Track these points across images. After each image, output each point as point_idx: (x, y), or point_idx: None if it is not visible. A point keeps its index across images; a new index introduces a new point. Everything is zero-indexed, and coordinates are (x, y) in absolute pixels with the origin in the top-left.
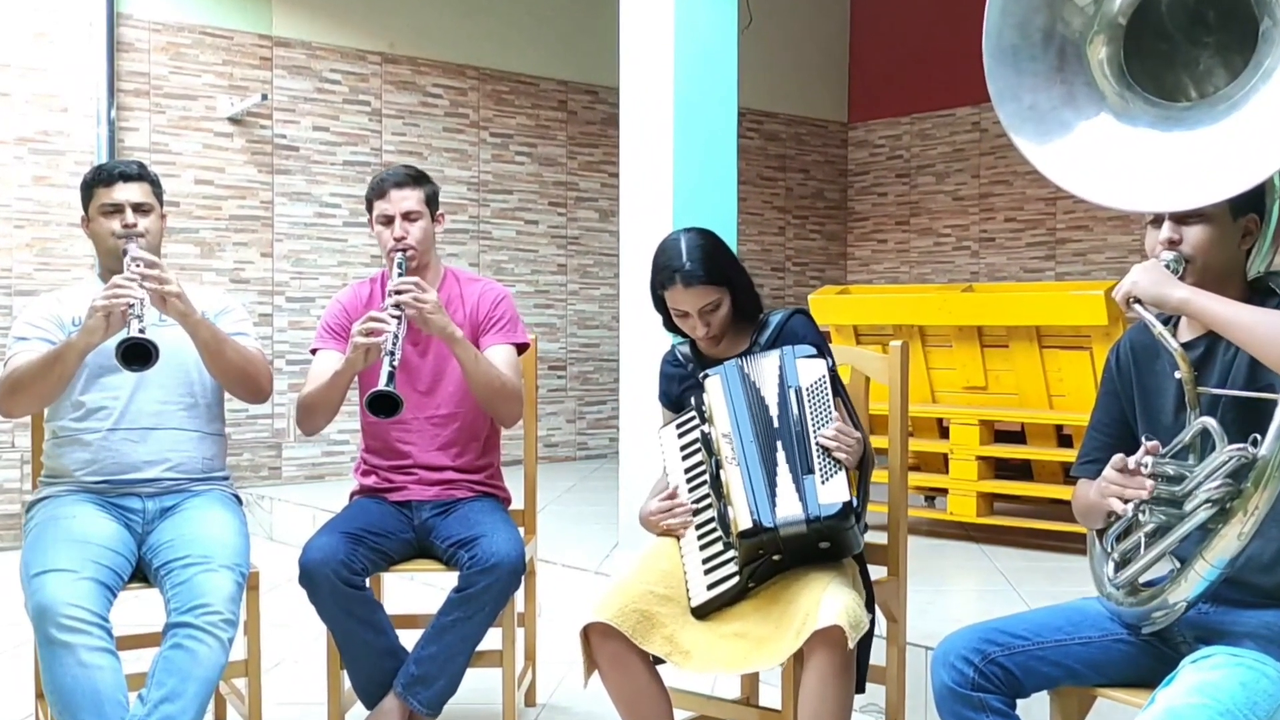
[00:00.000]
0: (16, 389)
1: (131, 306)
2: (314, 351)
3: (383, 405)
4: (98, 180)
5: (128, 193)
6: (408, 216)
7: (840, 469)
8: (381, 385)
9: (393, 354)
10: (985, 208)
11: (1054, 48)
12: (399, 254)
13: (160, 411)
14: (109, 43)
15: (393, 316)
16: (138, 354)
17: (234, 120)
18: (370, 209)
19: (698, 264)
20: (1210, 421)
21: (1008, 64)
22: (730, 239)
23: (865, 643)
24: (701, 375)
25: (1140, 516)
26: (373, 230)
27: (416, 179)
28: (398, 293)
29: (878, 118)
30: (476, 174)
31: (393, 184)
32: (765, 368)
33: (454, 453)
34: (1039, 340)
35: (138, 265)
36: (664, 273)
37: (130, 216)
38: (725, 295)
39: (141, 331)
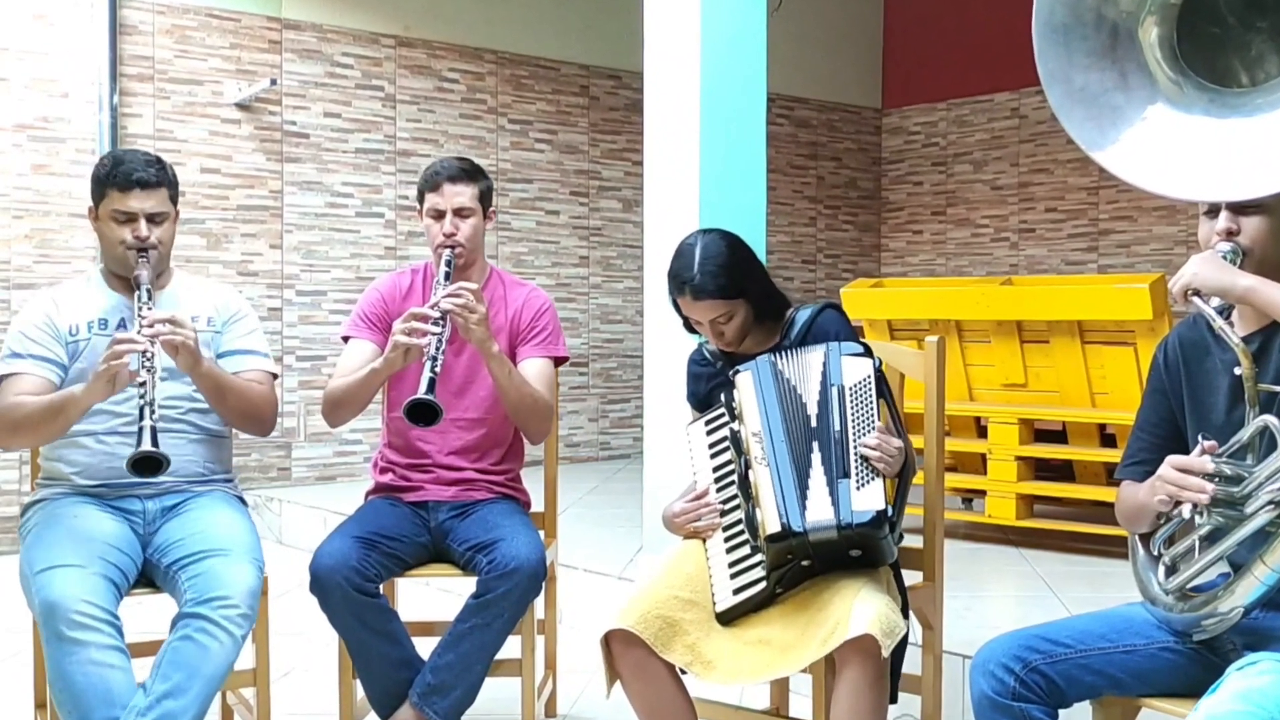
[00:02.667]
0: (16, 431)
1: (143, 384)
2: (345, 339)
3: (421, 414)
4: (112, 181)
5: (143, 202)
6: (459, 213)
7: (878, 474)
8: (421, 393)
9: (435, 359)
10: (1025, 197)
11: (1106, 28)
12: (447, 251)
13: (160, 414)
14: (111, 25)
15: (438, 320)
16: (148, 465)
17: (242, 106)
18: (421, 200)
19: (709, 277)
20: (1272, 420)
21: (1058, 43)
22: (759, 230)
23: (899, 651)
24: (732, 371)
25: (1197, 519)
26: (421, 222)
27: (472, 174)
28: (451, 297)
29: (913, 103)
30: (495, 162)
31: (446, 178)
32: (809, 363)
33: (474, 457)
34: (1081, 335)
35: (145, 312)
36: (675, 281)
37: (144, 229)
38: (739, 307)
39: (155, 428)
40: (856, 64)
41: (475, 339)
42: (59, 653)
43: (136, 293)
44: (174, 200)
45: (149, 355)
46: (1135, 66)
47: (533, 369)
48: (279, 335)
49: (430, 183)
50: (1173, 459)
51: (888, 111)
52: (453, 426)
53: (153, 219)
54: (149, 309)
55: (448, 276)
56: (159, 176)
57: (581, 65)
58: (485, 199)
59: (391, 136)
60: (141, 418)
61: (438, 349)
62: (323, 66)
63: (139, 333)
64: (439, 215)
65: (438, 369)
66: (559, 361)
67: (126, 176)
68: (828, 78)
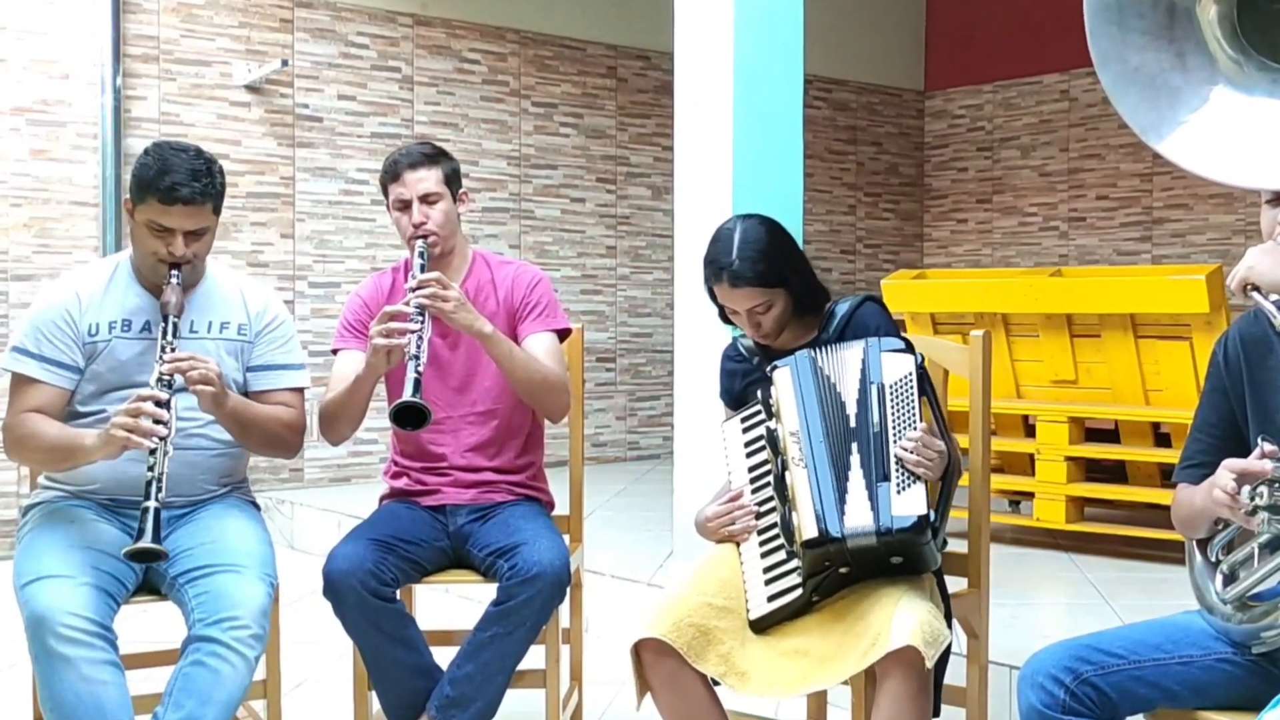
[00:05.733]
0: (20, 450)
1: (153, 451)
2: (335, 352)
3: (409, 417)
4: (154, 189)
5: (184, 220)
6: (426, 199)
7: (920, 477)
8: (406, 396)
9: (417, 358)
10: (1075, 184)
11: (1162, 5)
12: (419, 241)
13: (175, 431)
14: (114, 3)
15: (415, 314)
16: (147, 556)
17: (251, 88)
18: (385, 194)
19: (747, 263)
20: None
21: (1112, 21)
22: (796, 219)
23: (943, 662)
24: (769, 367)
25: (1257, 526)
26: (390, 216)
27: (433, 157)
28: (417, 289)
29: (957, 85)
30: (517, 147)
31: (407, 165)
32: (846, 360)
33: (491, 452)
34: (1134, 329)
35: (167, 358)
36: (712, 268)
37: (180, 248)
38: (778, 296)
39: (158, 511)
40: (898, 44)
41: (461, 325)
42: (48, 669)
43: (163, 326)
44: (218, 210)
45: (165, 423)
46: (1194, 46)
47: (539, 345)
48: None
49: (391, 173)
50: (1230, 462)
51: (931, 94)
52: (463, 424)
53: (191, 234)
54: (172, 349)
55: (423, 269)
56: (205, 191)
57: (609, 45)
58: (452, 181)
59: (409, 120)
60: (147, 496)
61: (418, 347)
62: (337, 47)
63: (157, 382)
64: (405, 206)
65: (421, 368)
66: (563, 335)
67: (170, 192)
68: (868, 58)
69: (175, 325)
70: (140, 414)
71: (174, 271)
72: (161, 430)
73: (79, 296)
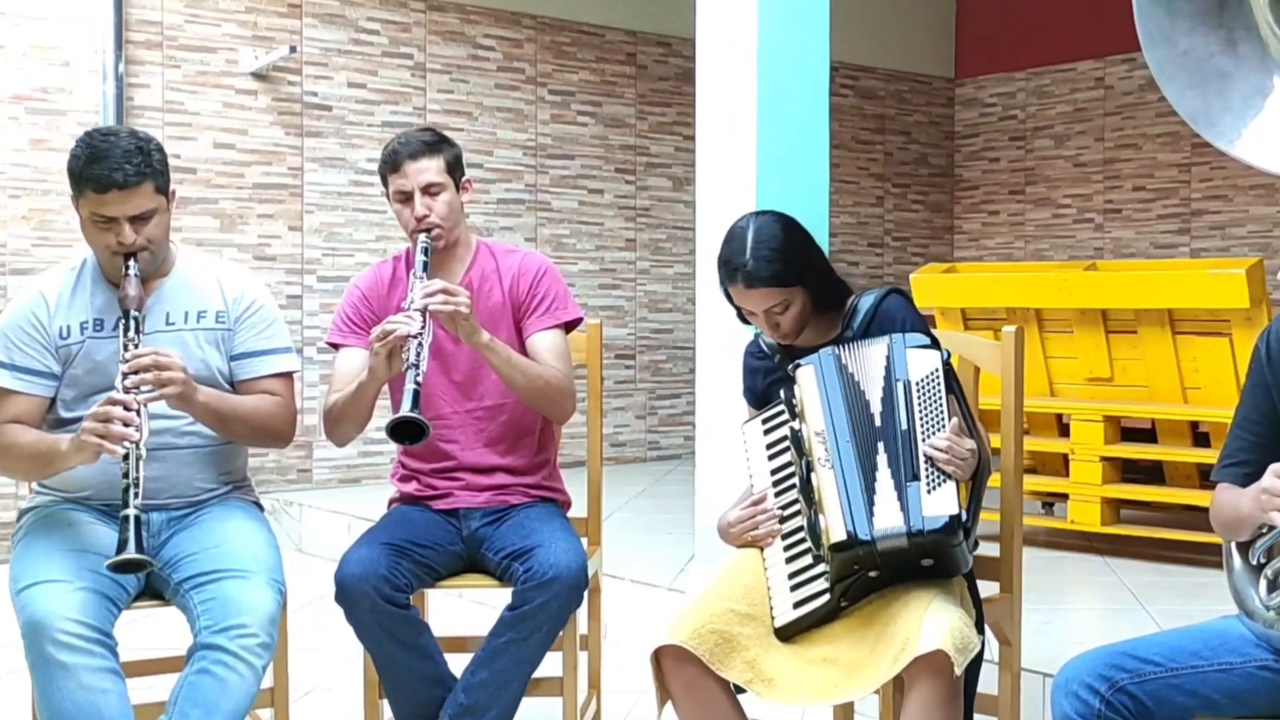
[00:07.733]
0: (7, 470)
1: (126, 456)
2: (335, 347)
3: (407, 432)
4: (86, 179)
5: (123, 206)
6: (428, 190)
7: (950, 476)
8: (404, 410)
9: (417, 367)
10: (1110, 175)
11: None
12: (422, 236)
13: (164, 430)
14: None
15: (415, 318)
16: (132, 567)
17: (258, 76)
18: (385, 183)
19: (763, 263)
20: None
21: (1160, 3)
22: (821, 211)
23: (974, 668)
24: (792, 365)
25: None
26: (391, 207)
27: (434, 145)
28: (429, 297)
29: (989, 73)
30: (533, 137)
31: (407, 155)
32: (870, 357)
33: (503, 449)
34: (1172, 325)
35: (129, 355)
36: (726, 268)
37: (128, 235)
38: (796, 295)
39: (139, 519)
40: (928, 29)
41: (463, 334)
42: (45, 677)
43: (124, 322)
44: (163, 189)
45: (136, 426)
46: (1245, 31)
47: (544, 343)
48: (299, 325)
49: (390, 163)
50: (1278, 467)
51: (961, 81)
52: (469, 419)
53: (138, 219)
54: (135, 344)
55: (425, 266)
56: (140, 172)
57: (628, 31)
58: (455, 170)
59: (421, 109)
60: (125, 503)
61: (418, 355)
62: (346, 33)
63: (123, 383)
64: (406, 198)
65: (420, 379)
66: (571, 326)
67: (100, 180)
68: (896, 44)
69: (137, 320)
70: (110, 418)
71: (130, 262)
72: (133, 434)
73: (45, 299)
